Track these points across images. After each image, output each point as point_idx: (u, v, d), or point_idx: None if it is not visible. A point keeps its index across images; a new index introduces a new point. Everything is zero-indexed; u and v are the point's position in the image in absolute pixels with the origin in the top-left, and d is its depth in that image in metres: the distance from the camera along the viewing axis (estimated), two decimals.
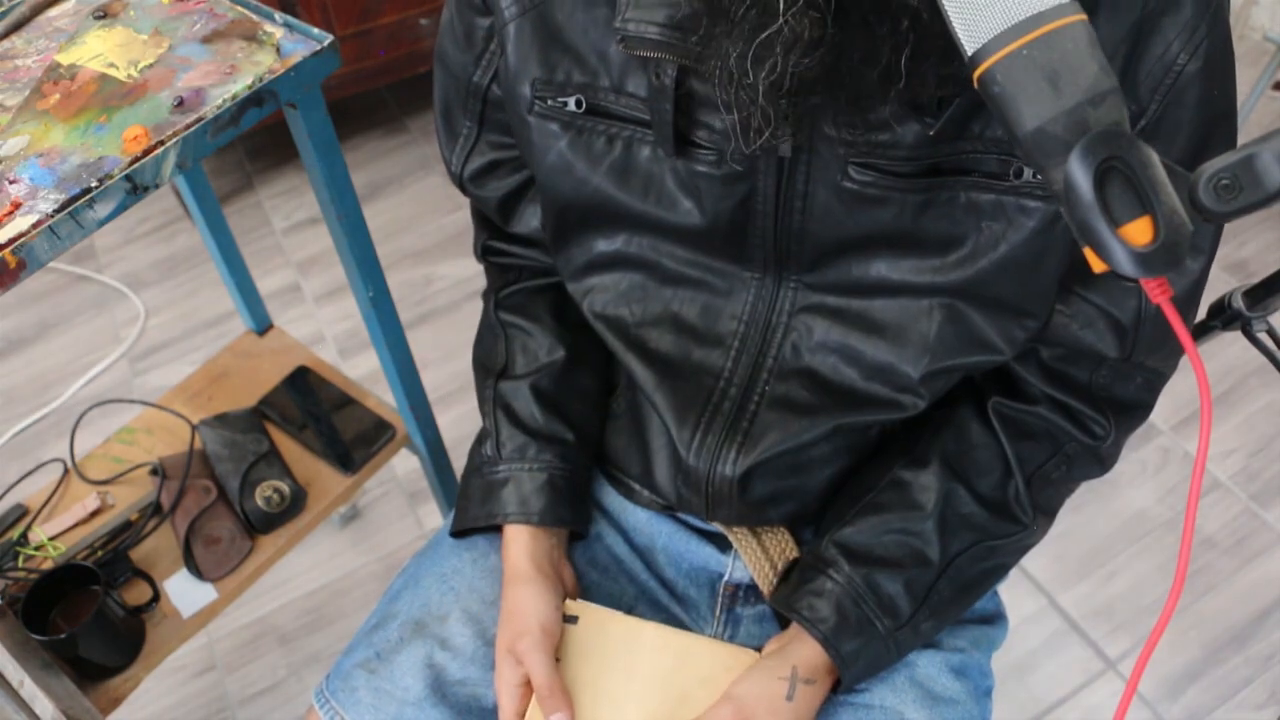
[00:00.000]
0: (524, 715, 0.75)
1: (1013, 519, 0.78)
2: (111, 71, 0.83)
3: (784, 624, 0.80)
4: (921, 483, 0.77)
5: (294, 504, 1.23)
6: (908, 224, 0.67)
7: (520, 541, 0.81)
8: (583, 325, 0.83)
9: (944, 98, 0.61)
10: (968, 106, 0.62)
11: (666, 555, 0.87)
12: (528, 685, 0.76)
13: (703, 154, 0.68)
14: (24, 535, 1.20)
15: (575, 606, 0.81)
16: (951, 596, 0.77)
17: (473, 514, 0.84)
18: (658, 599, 0.87)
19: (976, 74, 0.46)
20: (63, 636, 1.03)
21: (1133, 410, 0.77)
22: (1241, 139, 0.66)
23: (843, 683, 0.75)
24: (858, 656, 0.74)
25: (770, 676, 0.74)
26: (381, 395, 1.36)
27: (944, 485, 0.76)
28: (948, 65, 0.57)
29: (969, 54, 0.46)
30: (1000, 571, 0.81)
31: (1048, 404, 0.76)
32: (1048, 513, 0.80)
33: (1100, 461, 0.79)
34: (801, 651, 0.75)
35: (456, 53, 0.77)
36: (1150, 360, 0.74)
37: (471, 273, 2.09)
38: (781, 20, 0.53)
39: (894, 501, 0.77)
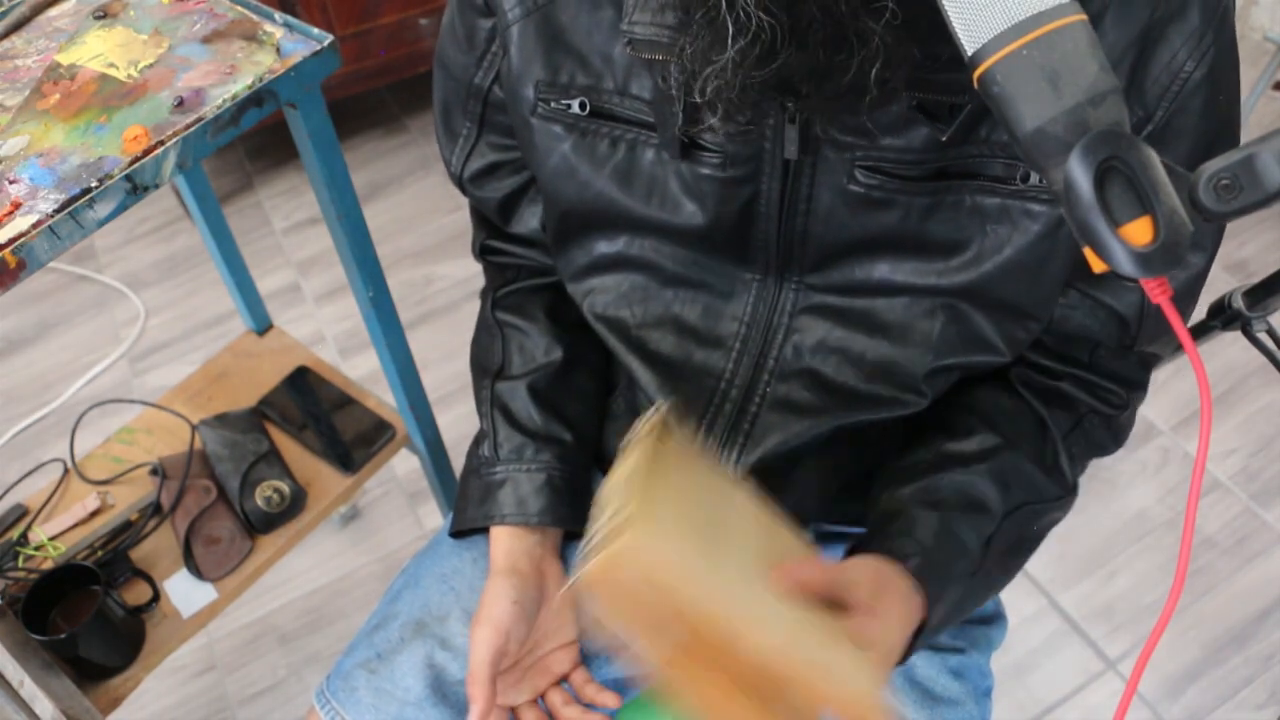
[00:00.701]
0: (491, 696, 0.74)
1: (1057, 479, 0.77)
2: (111, 71, 0.83)
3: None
4: (969, 448, 0.75)
5: (294, 504, 1.23)
6: (913, 227, 0.67)
7: (500, 541, 0.81)
8: (581, 325, 0.83)
9: (955, 105, 0.61)
10: (975, 111, 0.62)
11: None
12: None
13: (707, 156, 0.68)
14: (24, 535, 1.20)
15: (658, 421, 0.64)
16: (999, 557, 0.75)
17: (471, 515, 0.84)
18: None
19: (976, 74, 0.46)
20: (63, 636, 1.03)
21: (1130, 386, 0.78)
22: (1241, 139, 0.66)
23: (928, 624, 0.69)
24: (941, 597, 0.69)
25: (892, 570, 0.68)
26: (381, 395, 1.36)
27: (994, 443, 0.75)
28: (952, 73, 0.57)
29: (969, 54, 0.46)
30: (1035, 542, 0.79)
31: (1066, 379, 0.76)
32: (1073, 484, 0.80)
33: (1115, 434, 0.79)
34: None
35: (457, 54, 0.77)
36: (1150, 347, 0.74)
37: (471, 273, 2.09)
38: (729, 48, 0.54)
39: (945, 462, 0.75)
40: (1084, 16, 0.45)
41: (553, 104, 0.71)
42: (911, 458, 0.78)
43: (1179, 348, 0.77)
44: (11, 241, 0.71)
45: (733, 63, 0.55)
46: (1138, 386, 0.78)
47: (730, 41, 0.54)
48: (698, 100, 0.59)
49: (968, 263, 0.68)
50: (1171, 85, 0.61)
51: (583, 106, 0.70)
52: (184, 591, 1.16)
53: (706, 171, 0.69)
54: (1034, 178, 0.64)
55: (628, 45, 0.65)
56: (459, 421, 1.81)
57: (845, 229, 0.68)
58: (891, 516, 0.73)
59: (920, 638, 0.69)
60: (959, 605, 0.72)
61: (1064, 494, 0.77)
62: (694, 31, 0.56)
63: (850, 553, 0.74)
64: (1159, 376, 0.91)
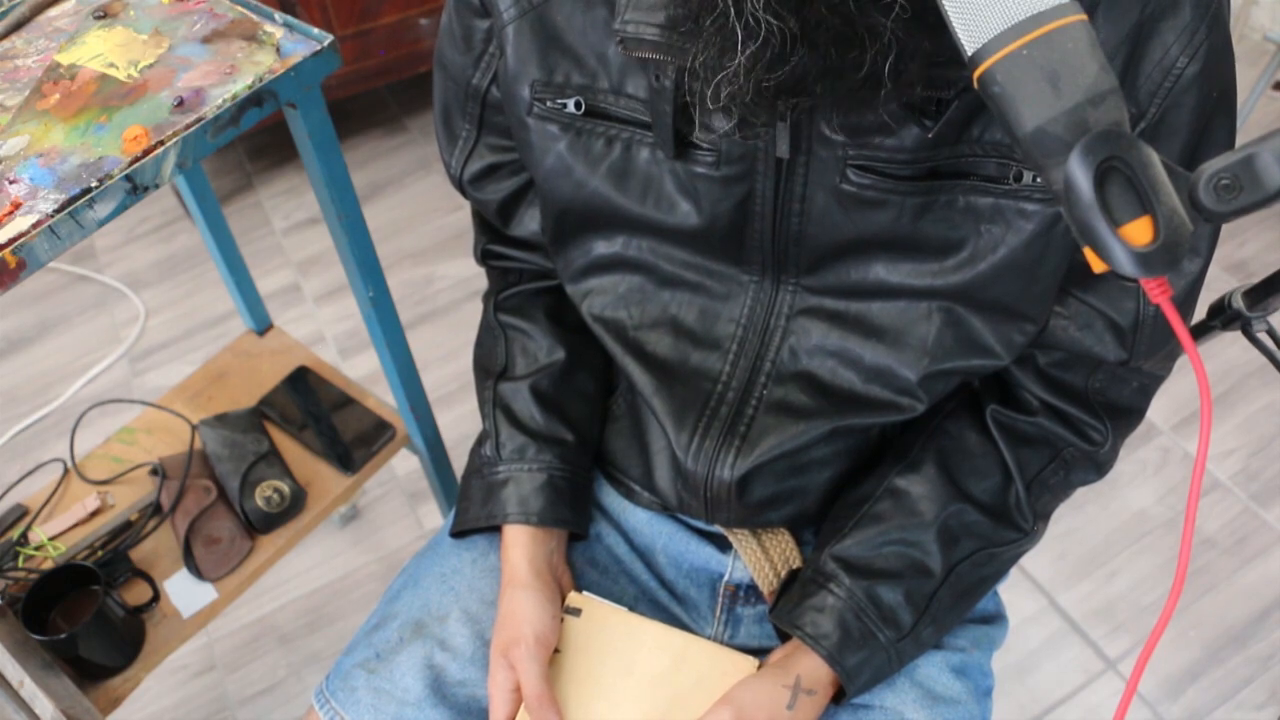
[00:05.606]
0: (514, 719, 0.76)
1: (1014, 525, 0.78)
2: (111, 71, 0.83)
3: (784, 634, 0.80)
4: (919, 491, 0.77)
5: (294, 504, 1.23)
6: (906, 227, 0.67)
7: (520, 545, 0.81)
8: (582, 327, 0.83)
9: (941, 101, 0.61)
10: (966, 110, 0.62)
11: (667, 556, 0.87)
12: (520, 690, 0.76)
13: (702, 155, 0.68)
14: (24, 535, 1.20)
15: (579, 599, 0.81)
16: (951, 604, 0.77)
17: (474, 515, 0.84)
18: (658, 599, 0.87)
19: (976, 74, 0.46)
20: (63, 636, 1.03)
21: (1128, 415, 0.77)
22: (1241, 139, 0.66)
23: (846, 695, 0.75)
24: (861, 669, 0.74)
25: (773, 684, 0.73)
26: (381, 395, 1.36)
27: (943, 493, 0.76)
28: (941, 67, 0.57)
29: (969, 54, 0.46)
30: (997, 577, 0.81)
31: (1046, 412, 0.76)
32: (1043, 518, 0.80)
33: (1098, 467, 0.79)
34: (805, 662, 0.74)
35: (455, 55, 0.77)
36: (1147, 364, 0.74)
37: (471, 273, 2.09)
38: (739, 54, 0.54)
39: (891, 511, 0.77)
40: (1084, 16, 0.45)
41: (548, 103, 0.71)
42: (859, 491, 0.79)
43: (1181, 358, 0.77)
44: (11, 241, 0.71)
45: (744, 68, 0.55)
46: (1134, 414, 0.78)
47: (741, 47, 0.53)
48: (711, 107, 0.58)
49: (962, 263, 0.68)
50: (1164, 82, 0.61)
51: (578, 106, 0.70)
52: (184, 591, 1.16)
53: (701, 170, 0.68)
54: (1027, 177, 0.64)
55: (619, 44, 0.65)
56: (459, 421, 1.81)
57: (839, 229, 0.68)
58: (817, 583, 0.76)
59: (839, 704, 0.77)
60: (882, 669, 0.76)
61: (1021, 536, 0.78)
62: (705, 39, 0.56)
63: (784, 588, 0.80)
64: None
